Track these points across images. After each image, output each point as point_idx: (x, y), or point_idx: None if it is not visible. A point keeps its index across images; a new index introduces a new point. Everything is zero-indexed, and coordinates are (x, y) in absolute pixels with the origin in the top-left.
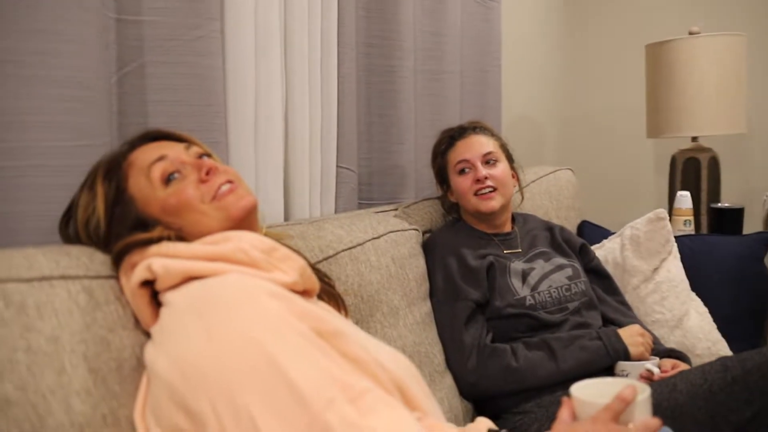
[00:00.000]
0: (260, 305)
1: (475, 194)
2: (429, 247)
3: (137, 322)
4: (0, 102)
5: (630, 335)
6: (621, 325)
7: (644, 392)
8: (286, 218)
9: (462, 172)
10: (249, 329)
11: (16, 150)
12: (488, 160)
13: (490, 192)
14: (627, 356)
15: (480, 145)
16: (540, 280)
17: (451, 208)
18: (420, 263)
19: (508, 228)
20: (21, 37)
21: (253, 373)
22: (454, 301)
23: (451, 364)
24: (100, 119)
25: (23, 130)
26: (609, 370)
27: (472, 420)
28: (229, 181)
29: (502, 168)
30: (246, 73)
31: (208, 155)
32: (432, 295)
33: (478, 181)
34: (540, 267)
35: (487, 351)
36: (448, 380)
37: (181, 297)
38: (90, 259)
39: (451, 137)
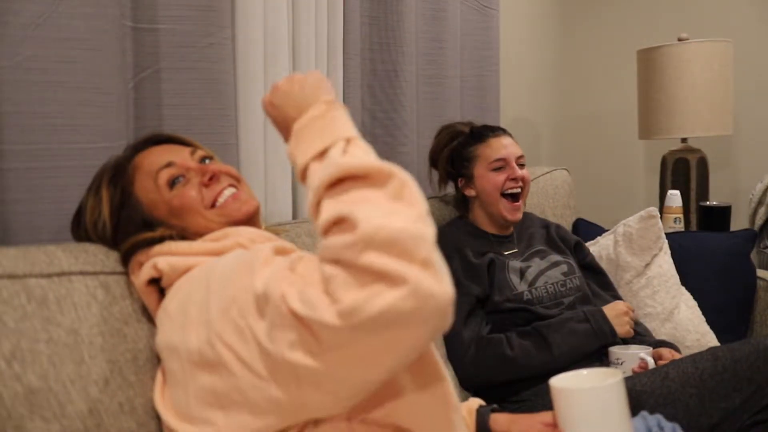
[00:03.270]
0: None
1: (503, 194)
2: None
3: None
4: (27, 107)
5: (615, 315)
6: None
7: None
8: (294, 217)
9: (497, 169)
10: (239, 266)
11: (41, 152)
12: (520, 163)
13: (517, 200)
14: (614, 335)
15: (515, 147)
16: (537, 276)
17: (463, 202)
18: None
19: (509, 229)
20: (45, 46)
21: (247, 297)
22: (456, 296)
23: (450, 356)
24: (118, 122)
25: (48, 133)
26: (600, 351)
27: None
28: (232, 185)
29: (527, 172)
30: (256, 78)
31: (210, 158)
32: None
33: (513, 179)
34: (537, 264)
35: (483, 342)
36: (450, 371)
37: (183, 279)
38: (106, 256)
39: (480, 133)
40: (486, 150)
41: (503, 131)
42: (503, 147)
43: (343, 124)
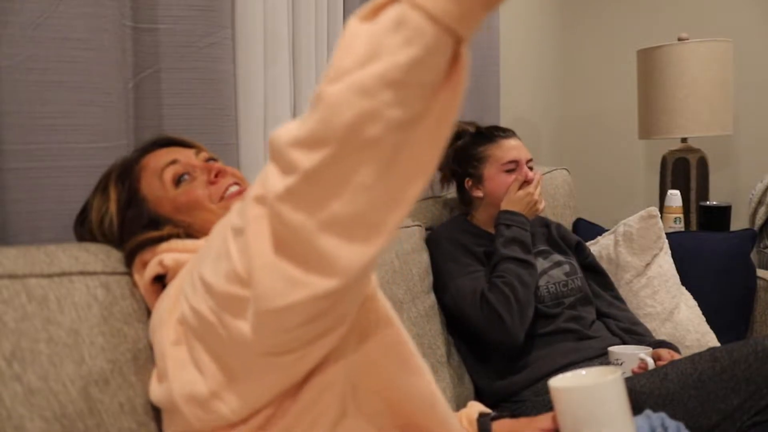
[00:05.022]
0: None
1: None
2: (432, 240)
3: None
4: (27, 107)
5: (512, 203)
6: (615, 319)
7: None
8: None
9: (510, 171)
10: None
11: (41, 152)
12: (529, 166)
13: None
14: (526, 219)
15: (524, 149)
16: (539, 276)
17: (468, 202)
18: (423, 258)
19: None
20: (45, 46)
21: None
22: (468, 274)
23: (488, 333)
24: (117, 122)
25: (48, 133)
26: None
27: None
28: (237, 183)
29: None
30: (256, 78)
31: (215, 160)
32: (440, 286)
33: (526, 182)
34: (539, 264)
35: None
36: (450, 371)
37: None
38: (107, 256)
39: (491, 134)
40: (497, 151)
41: (512, 133)
42: (514, 149)
43: None
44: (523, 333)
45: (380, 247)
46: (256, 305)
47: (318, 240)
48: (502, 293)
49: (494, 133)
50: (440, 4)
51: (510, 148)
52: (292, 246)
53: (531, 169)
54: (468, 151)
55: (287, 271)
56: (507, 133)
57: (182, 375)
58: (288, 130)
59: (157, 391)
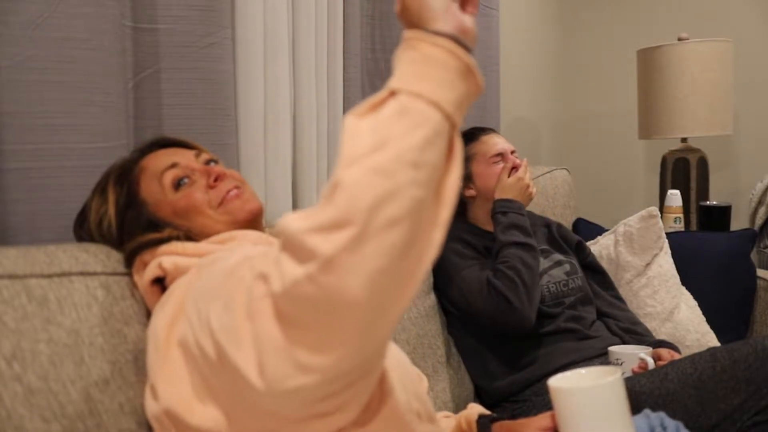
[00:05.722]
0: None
1: None
2: None
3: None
4: (27, 107)
5: (504, 190)
6: (615, 318)
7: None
8: None
9: (497, 163)
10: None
11: (41, 152)
12: (515, 157)
13: None
14: (521, 204)
15: (507, 142)
16: (540, 275)
17: (462, 205)
18: None
19: None
20: (45, 46)
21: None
22: (471, 266)
23: (498, 319)
24: (117, 122)
25: (48, 133)
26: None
27: None
28: (236, 187)
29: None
30: (256, 78)
31: (215, 162)
32: (445, 281)
33: (514, 168)
34: (540, 263)
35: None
36: (450, 371)
37: (182, 278)
38: (107, 257)
39: (471, 134)
40: (482, 147)
41: (492, 129)
42: (498, 143)
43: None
44: (534, 314)
45: (393, 328)
46: (263, 388)
47: (332, 323)
48: (508, 277)
49: (475, 133)
50: (439, 92)
51: (493, 143)
52: (303, 330)
53: (516, 158)
54: None
55: (297, 355)
56: (487, 130)
57: (174, 390)
58: (300, 217)
59: (151, 407)
